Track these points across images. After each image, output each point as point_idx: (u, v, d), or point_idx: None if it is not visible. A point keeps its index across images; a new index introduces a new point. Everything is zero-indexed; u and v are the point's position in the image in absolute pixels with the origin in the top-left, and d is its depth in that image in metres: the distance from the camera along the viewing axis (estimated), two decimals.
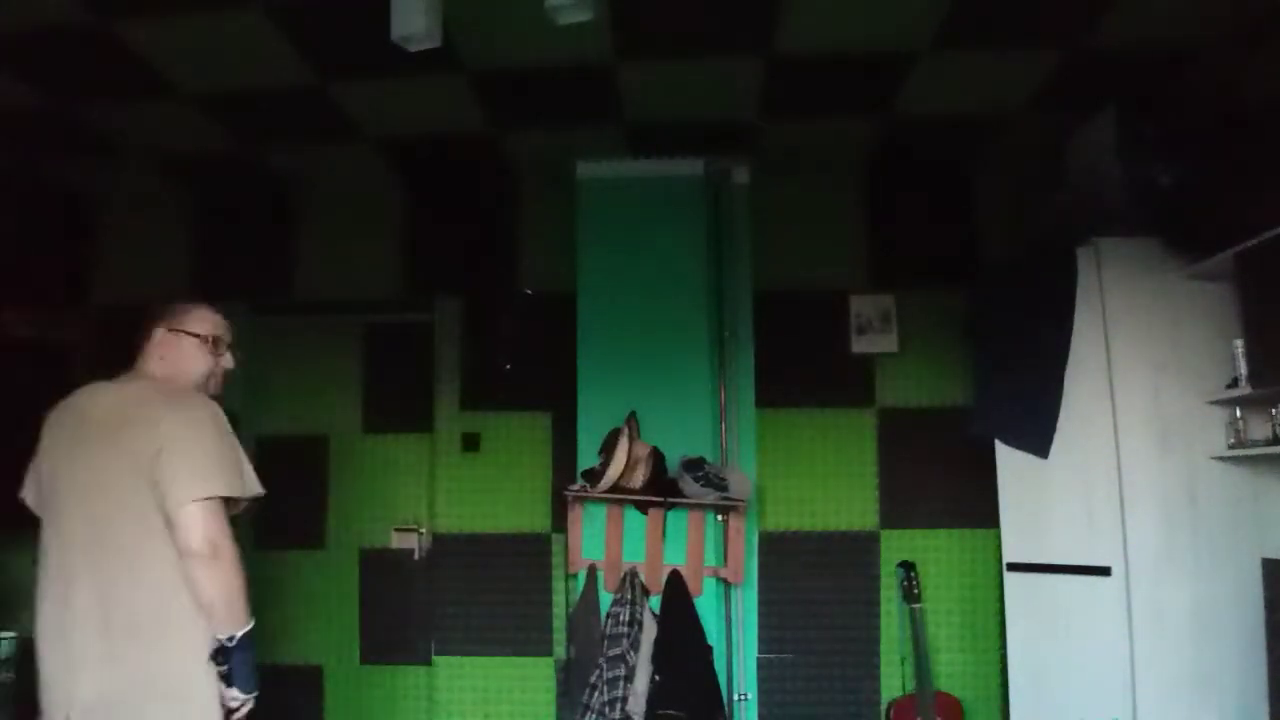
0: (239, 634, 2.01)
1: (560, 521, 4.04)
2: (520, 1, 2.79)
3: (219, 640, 2.00)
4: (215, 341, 2.30)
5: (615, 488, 3.64)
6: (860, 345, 4.15)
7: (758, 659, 3.96)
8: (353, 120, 3.74)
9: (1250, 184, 2.87)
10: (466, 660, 4.12)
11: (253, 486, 2.16)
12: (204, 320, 2.30)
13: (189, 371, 2.25)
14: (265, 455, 4.42)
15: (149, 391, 2.17)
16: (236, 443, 2.15)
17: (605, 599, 3.75)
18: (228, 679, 2.01)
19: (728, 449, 3.98)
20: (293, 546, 4.39)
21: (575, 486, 3.79)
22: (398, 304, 4.40)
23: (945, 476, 4.01)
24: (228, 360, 2.33)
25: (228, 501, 2.06)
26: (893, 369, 4.14)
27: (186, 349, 2.25)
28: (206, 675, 2.00)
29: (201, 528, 1.98)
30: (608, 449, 3.69)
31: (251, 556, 4.27)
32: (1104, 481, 3.16)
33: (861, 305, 4.16)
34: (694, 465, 3.68)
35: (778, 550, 4.05)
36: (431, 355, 4.33)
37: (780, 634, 4.00)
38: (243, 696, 2.04)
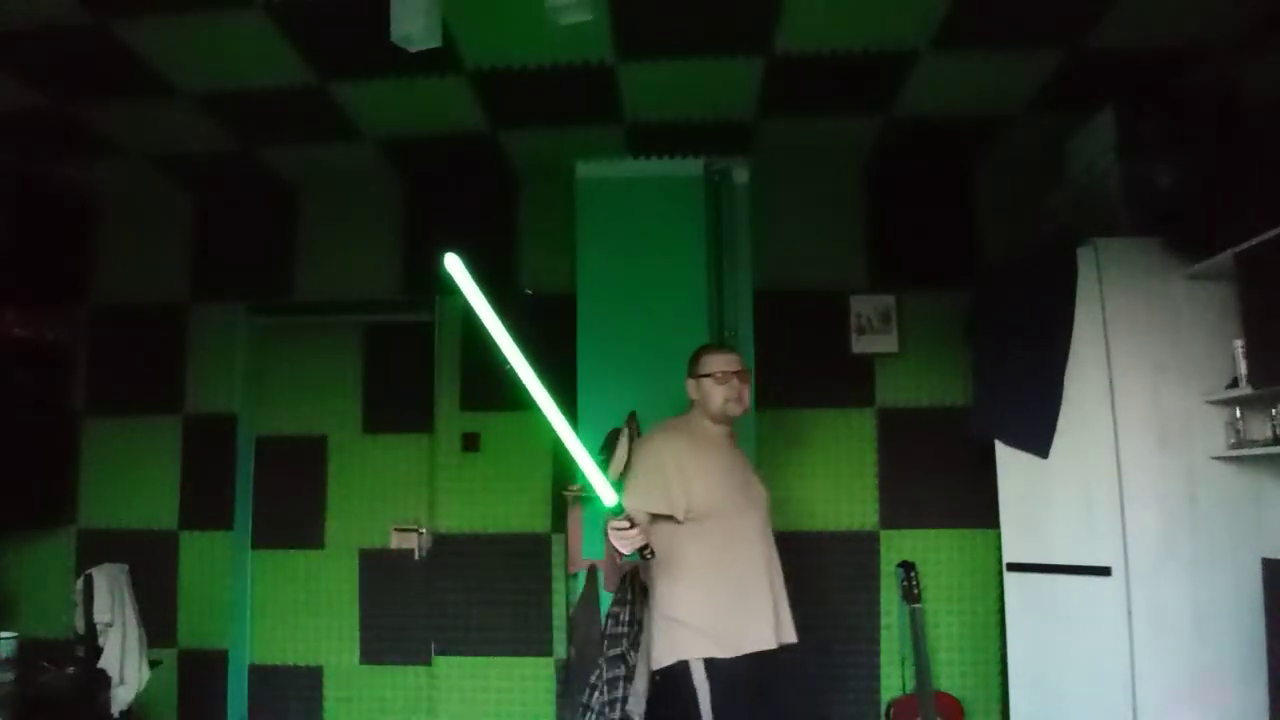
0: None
1: (560, 521, 4.04)
2: (520, 1, 2.79)
3: None
4: (723, 375, 2.82)
5: None
6: (860, 345, 4.15)
7: None
8: (353, 120, 3.74)
9: (1250, 184, 2.86)
10: (466, 660, 4.12)
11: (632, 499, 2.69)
12: (712, 362, 2.85)
13: (710, 404, 2.83)
14: (265, 455, 4.46)
15: None
16: (642, 467, 2.79)
17: (605, 599, 3.74)
18: None
19: None
20: (292, 546, 4.39)
21: (575, 486, 3.79)
22: (398, 304, 4.41)
23: (945, 476, 4.01)
24: (734, 386, 2.83)
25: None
26: (893, 369, 4.15)
27: (705, 388, 2.84)
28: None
29: None
30: (608, 449, 3.68)
31: (251, 556, 4.37)
32: (1104, 481, 3.15)
33: (861, 305, 4.16)
34: None
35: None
36: (431, 355, 4.34)
37: None
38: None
